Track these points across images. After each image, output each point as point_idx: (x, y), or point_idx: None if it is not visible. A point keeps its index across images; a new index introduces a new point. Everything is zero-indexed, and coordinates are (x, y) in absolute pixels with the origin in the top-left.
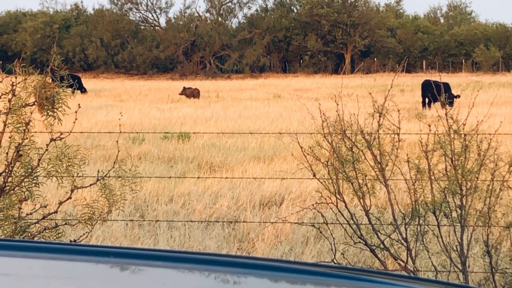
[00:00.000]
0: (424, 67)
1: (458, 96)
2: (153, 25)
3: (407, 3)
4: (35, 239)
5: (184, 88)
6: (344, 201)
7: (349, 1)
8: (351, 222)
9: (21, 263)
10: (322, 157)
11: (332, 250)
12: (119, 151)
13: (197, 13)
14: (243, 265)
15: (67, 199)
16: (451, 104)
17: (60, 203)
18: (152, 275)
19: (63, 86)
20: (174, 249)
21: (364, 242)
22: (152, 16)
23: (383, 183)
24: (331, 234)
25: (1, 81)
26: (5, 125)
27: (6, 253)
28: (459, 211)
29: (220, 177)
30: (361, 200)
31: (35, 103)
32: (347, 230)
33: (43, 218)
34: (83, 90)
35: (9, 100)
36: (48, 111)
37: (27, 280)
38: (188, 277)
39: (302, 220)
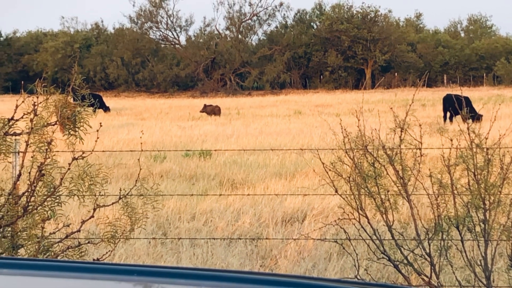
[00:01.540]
0: (445, 81)
1: (481, 117)
2: (173, 43)
3: (427, 17)
4: (58, 258)
5: (205, 106)
6: (366, 217)
7: (369, 17)
8: (374, 237)
9: (45, 283)
10: (344, 173)
11: (355, 266)
12: (140, 169)
13: (217, 30)
14: (266, 282)
15: (90, 218)
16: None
17: (83, 222)
18: None
19: (84, 105)
20: (197, 267)
21: (387, 258)
22: (172, 34)
23: (406, 198)
24: (354, 250)
25: (23, 101)
26: (27, 145)
27: (30, 272)
28: (482, 225)
29: (242, 194)
30: (384, 216)
31: (57, 123)
32: (370, 245)
33: (66, 237)
34: (105, 108)
35: (31, 120)
36: (70, 130)
37: None
38: None
39: (325, 236)
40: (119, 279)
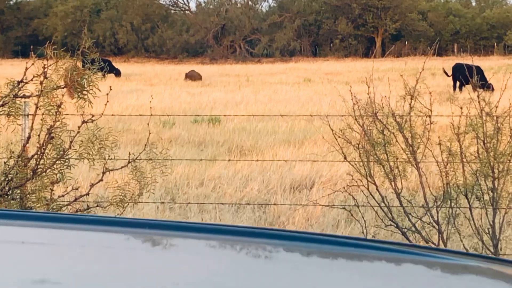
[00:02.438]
0: (455, 50)
1: (491, 85)
2: (183, 9)
3: None
4: None
5: (186, 74)
6: (375, 184)
7: None
8: (382, 205)
9: (56, 234)
10: (353, 140)
11: (363, 232)
12: (150, 133)
13: None
14: (276, 237)
15: (99, 181)
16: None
17: (92, 185)
18: (184, 245)
19: (94, 68)
20: (207, 223)
21: (395, 225)
22: (182, 0)
23: (415, 165)
24: (362, 217)
25: (33, 64)
26: (37, 107)
27: (42, 224)
28: (491, 193)
29: (251, 160)
30: (393, 183)
31: (66, 86)
32: (378, 213)
33: (75, 200)
34: (116, 72)
35: (41, 83)
36: (79, 94)
37: (63, 249)
38: (219, 249)
39: (333, 203)
40: (131, 232)
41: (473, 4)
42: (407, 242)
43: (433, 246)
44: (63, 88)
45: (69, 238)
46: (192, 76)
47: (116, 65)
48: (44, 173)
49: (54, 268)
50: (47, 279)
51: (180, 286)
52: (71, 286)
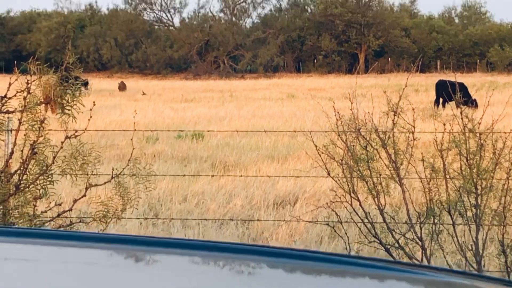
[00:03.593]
0: (438, 67)
1: (475, 101)
2: (167, 25)
3: (422, 3)
4: None
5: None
6: (358, 200)
7: (363, 1)
8: (366, 221)
9: (39, 250)
10: (336, 156)
11: (346, 249)
12: (133, 148)
13: (211, 13)
14: (258, 253)
15: (82, 197)
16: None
17: (75, 201)
18: (167, 262)
19: (77, 84)
20: (190, 239)
21: (378, 241)
22: (166, 16)
23: (398, 182)
24: (346, 233)
25: (16, 79)
26: (20, 123)
27: (26, 240)
28: (474, 210)
29: (234, 175)
30: (376, 199)
31: (50, 102)
32: (362, 229)
33: (58, 216)
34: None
35: (24, 98)
36: (62, 109)
37: (46, 265)
38: (203, 265)
39: (316, 219)
40: (114, 248)
41: (456, 21)
42: (391, 259)
43: (416, 262)
44: (46, 103)
45: (52, 254)
46: (121, 87)
47: (100, 80)
48: (27, 189)
49: (37, 284)
50: None
51: None
52: None
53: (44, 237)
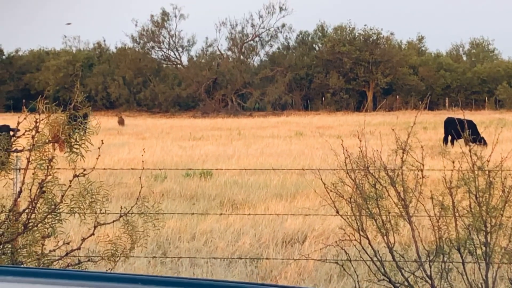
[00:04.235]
0: (446, 104)
1: (483, 139)
2: (175, 63)
3: (429, 40)
4: None
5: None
6: (367, 238)
7: (371, 39)
8: (375, 259)
9: None
10: (345, 194)
11: (355, 287)
12: (142, 187)
13: (219, 51)
14: None
15: (90, 235)
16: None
17: (83, 239)
18: None
19: (86, 123)
20: (199, 278)
21: (388, 280)
22: (174, 54)
23: (407, 220)
24: (355, 271)
25: (25, 118)
26: (28, 161)
27: (34, 280)
28: (483, 248)
29: (243, 213)
30: (385, 237)
31: (58, 140)
32: (371, 267)
33: (66, 254)
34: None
35: (33, 137)
36: (71, 148)
37: None
38: None
39: (325, 257)
40: (122, 287)
41: (464, 58)
42: None
43: None
44: (54, 142)
45: None
46: (120, 122)
47: (108, 119)
48: (35, 228)
49: None
50: None
51: None
52: None
53: (52, 277)
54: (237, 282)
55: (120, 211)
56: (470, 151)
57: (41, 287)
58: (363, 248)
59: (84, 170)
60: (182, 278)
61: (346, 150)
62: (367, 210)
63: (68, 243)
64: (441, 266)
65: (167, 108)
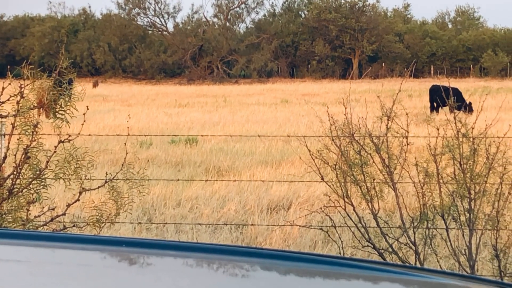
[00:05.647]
0: (432, 72)
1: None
2: (160, 30)
3: (415, 8)
4: None
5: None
6: (352, 205)
7: (356, 6)
8: (359, 225)
9: (32, 251)
10: (330, 161)
11: (340, 253)
12: (127, 153)
13: (205, 18)
14: (253, 254)
15: (75, 201)
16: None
17: (68, 205)
18: (161, 264)
19: (71, 88)
20: (184, 241)
21: (372, 246)
22: (160, 21)
23: (392, 186)
24: (339, 238)
25: (10, 84)
26: (13, 127)
27: (18, 242)
28: (467, 214)
29: (228, 180)
30: (369, 204)
31: (43, 106)
32: (355, 233)
33: (51, 220)
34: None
35: (18, 102)
36: (56, 113)
37: (39, 266)
38: (197, 267)
39: (310, 223)
40: (108, 250)
41: (450, 26)
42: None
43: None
44: (39, 108)
45: (45, 255)
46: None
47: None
48: (20, 193)
49: (30, 286)
50: None
51: None
52: None
53: (37, 239)
54: (222, 245)
55: (106, 177)
56: (454, 118)
57: (26, 249)
58: (347, 214)
59: (69, 136)
60: (165, 240)
61: (332, 117)
62: (352, 176)
63: (53, 209)
64: (425, 232)
65: (152, 75)
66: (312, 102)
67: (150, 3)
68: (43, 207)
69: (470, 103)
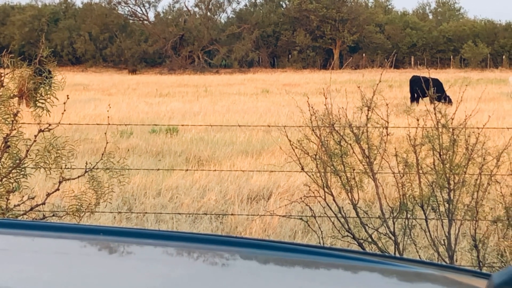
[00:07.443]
0: (412, 63)
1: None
2: (141, 19)
3: None
4: None
5: None
6: (332, 195)
7: None
8: (339, 215)
9: (10, 239)
10: (310, 151)
11: (320, 243)
12: (107, 143)
13: (186, 7)
14: (233, 244)
15: (55, 190)
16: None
17: (48, 194)
18: (141, 252)
19: (51, 77)
20: (164, 230)
21: (352, 236)
22: (141, 10)
23: (371, 177)
24: (319, 228)
25: None
26: None
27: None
28: (447, 205)
29: (208, 170)
30: (349, 194)
31: (23, 95)
32: (335, 223)
33: (31, 209)
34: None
35: None
36: (36, 102)
37: (16, 254)
38: (176, 256)
39: (290, 213)
40: (86, 238)
41: (430, 17)
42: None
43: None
44: (20, 97)
45: (22, 244)
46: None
47: (74, 74)
48: None
49: (6, 274)
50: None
51: None
52: None
53: (16, 227)
54: (202, 234)
55: (86, 166)
56: (434, 109)
57: (4, 237)
58: (327, 204)
59: (50, 125)
60: (145, 229)
61: (312, 108)
62: (332, 167)
63: (33, 198)
64: (405, 222)
65: (133, 64)
66: (293, 92)
67: None
68: (23, 196)
69: (449, 96)
